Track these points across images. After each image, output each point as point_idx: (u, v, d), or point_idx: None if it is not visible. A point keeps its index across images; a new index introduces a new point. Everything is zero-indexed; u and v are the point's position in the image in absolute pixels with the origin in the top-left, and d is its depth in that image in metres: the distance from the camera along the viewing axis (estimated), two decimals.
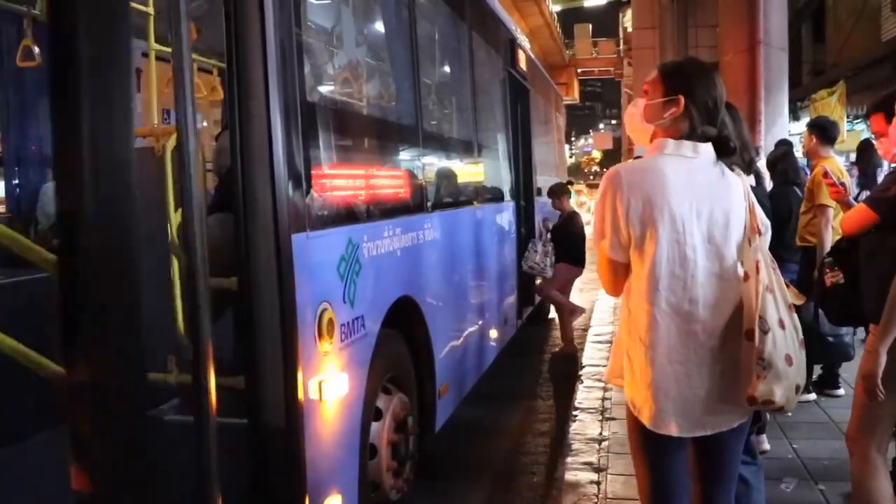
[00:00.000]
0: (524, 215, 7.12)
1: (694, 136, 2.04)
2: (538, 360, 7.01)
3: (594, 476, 3.85)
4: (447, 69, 5.19)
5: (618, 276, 2.09)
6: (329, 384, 2.51)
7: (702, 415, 2.01)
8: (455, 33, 5.19)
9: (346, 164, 3.04)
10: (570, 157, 59.52)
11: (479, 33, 5.62)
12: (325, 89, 3.16)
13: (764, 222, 2.10)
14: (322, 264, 2.60)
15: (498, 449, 4.70)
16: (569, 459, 4.11)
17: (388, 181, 3.58)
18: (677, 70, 2.11)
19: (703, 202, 1.98)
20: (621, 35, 37.65)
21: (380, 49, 3.89)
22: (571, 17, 42.00)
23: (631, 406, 2.07)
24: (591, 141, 71.97)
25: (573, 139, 76.96)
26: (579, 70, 41.95)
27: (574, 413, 4.92)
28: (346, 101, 3.39)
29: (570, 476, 3.88)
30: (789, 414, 2.03)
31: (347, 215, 2.93)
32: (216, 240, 2.29)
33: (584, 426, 4.65)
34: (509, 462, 4.48)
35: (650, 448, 2.11)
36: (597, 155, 71.74)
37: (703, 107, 2.03)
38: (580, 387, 5.55)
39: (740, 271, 2.01)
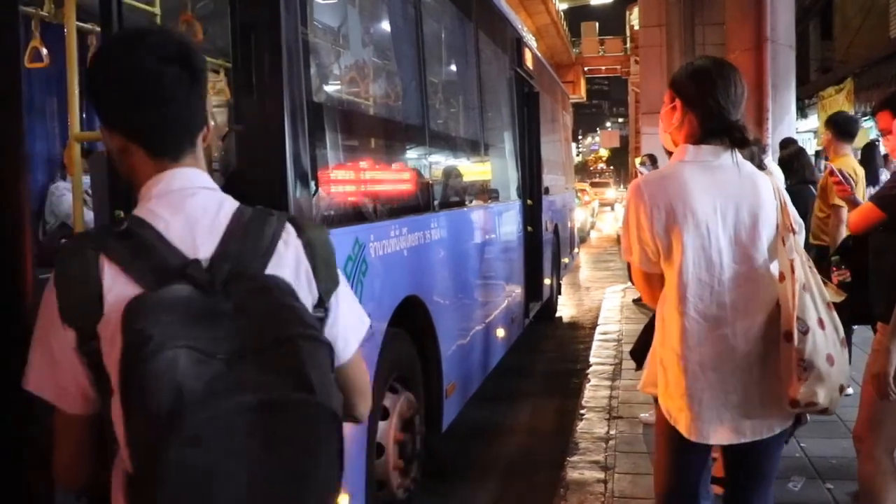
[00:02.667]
0: (531, 214, 7.12)
1: (703, 136, 2.02)
2: (545, 359, 7.00)
3: (601, 475, 3.85)
4: (454, 68, 5.19)
5: (652, 286, 2.08)
6: None
7: (740, 421, 1.97)
8: (461, 32, 5.19)
9: (353, 164, 3.04)
10: (577, 155, 59.39)
11: (485, 32, 5.62)
12: (331, 89, 3.16)
13: (797, 221, 2.08)
14: None
15: (505, 448, 4.70)
16: (576, 458, 4.11)
17: (394, 181, 3.58)
18: (677, 75, 2.13)
19: (729, 204, 1.96)
20: (628, 33, 37.59)
21: (386, 48, 3.89)
22: (578, 15, 41.96)
23: (667, 415, 2.04)
24: (598, 139, 71.89)
25: (580, 137, 76.92)
26: (586, 68, 41.86)
27: (581, 412, 4.91)
28: (353, 101, 3.39)
29: (577, 475, 3.88)
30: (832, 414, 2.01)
31: (354, 215, 2.93)
32: None
33: (590, 425, 4.65)
34: (516, 461, 4.48)
35: (679, 454, 2.08)
36: (604, 153, 71.68)
37: (703, 107, 2.02)
38: (587, 385, 5.55)
39: (774, 271, 1.99)
